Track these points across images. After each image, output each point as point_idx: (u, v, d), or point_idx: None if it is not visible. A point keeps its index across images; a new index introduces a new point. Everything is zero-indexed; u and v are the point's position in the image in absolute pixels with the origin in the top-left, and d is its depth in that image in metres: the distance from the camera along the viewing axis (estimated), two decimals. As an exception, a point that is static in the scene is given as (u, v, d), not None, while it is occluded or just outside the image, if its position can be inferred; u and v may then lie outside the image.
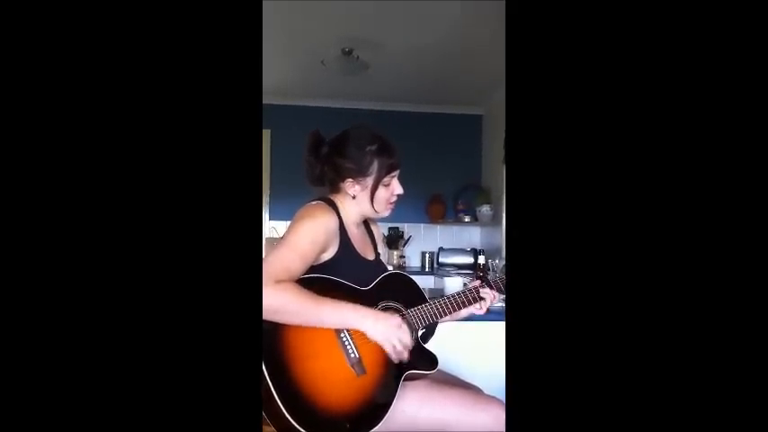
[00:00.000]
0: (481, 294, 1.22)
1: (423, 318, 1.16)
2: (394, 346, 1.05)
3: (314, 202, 1.18)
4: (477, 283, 1.25)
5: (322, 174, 1.22)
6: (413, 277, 1.25)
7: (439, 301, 1.18)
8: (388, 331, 1.05)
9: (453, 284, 1.76)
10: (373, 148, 1.16)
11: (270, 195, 4.05)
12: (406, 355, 1.07)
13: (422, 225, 4.18)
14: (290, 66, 3.35)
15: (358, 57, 3.03)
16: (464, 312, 1.23)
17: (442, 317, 1.18)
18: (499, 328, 1.68)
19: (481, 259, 3.38)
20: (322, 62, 3.10)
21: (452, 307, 1.19)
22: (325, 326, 1.04)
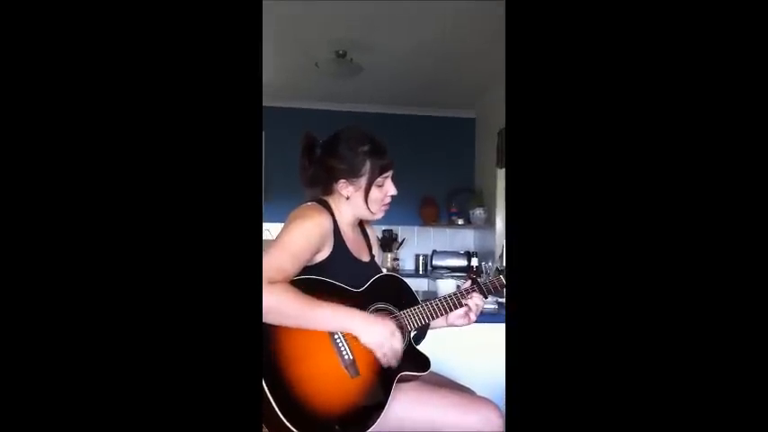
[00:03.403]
0: (464, 302, 1.21)
1: (415, 319, 1.16)
2: (385, 354, 1.05)
3: (308, 204, 1.18)
4: (469, 284, 1.25)
5: (315, 175, 1.22)
6: (406, 280, 1.25)
7: (430, 303, 1.18)
8: (381, 337, 1.05)
9: (446, 287, 1.76)
10: (365, 148, 1.16)
11: (264, 198, 4.03)
12: (394, 363, 1.07)
13: (415, 228, 4.19)
14: (283, 68, 3.35)
15: (352, 59, 3.03)
16: (460, 322, 1.23)
17: (433, 318, 1.18)
18: (491, 329, 1.68)
19: (474, 262, 3.39)
20: (316, 64, 3.10)
21: (444, 309, 1.19)
22: (318, 329, 1.04)
